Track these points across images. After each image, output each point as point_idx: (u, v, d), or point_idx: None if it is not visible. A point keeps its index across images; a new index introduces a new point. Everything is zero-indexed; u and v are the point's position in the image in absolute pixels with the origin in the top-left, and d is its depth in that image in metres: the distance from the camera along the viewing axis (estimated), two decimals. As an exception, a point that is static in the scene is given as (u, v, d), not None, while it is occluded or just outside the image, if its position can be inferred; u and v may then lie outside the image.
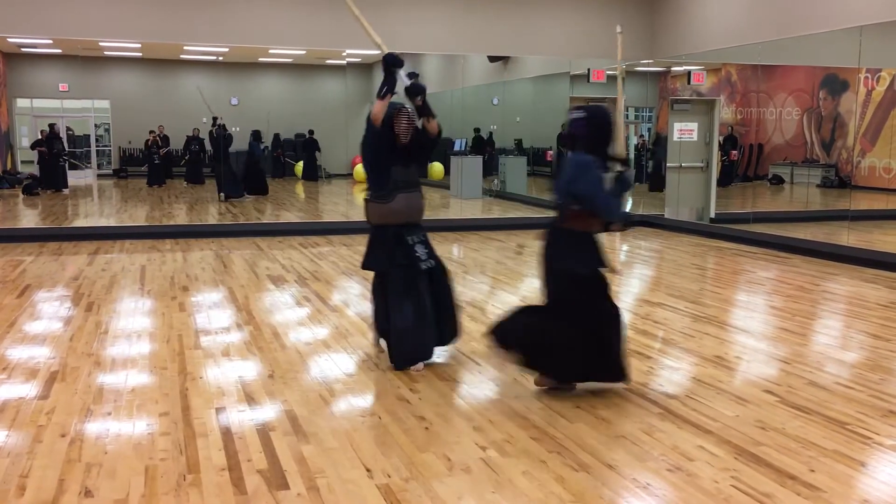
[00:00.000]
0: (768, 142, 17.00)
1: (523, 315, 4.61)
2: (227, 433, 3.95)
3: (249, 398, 4.48)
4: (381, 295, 5.15)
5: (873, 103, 14.46)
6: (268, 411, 4.28)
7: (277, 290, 7.58)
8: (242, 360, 5.24)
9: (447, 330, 5.19)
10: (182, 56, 20.19)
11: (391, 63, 4.97)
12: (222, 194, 15.21)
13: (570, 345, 4.35)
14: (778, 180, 16.70)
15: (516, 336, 4.51)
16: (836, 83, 15.32)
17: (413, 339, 4.97)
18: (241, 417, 4.17)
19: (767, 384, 4.74)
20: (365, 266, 5.21)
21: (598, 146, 4.33)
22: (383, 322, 5.15)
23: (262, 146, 17.82)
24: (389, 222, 5.02)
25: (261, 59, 21.68)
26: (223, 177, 15.59)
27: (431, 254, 5.10)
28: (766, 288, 8.12)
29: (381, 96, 4.92)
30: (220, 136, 16.55)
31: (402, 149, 5.00)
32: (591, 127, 4.35)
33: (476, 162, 16.73)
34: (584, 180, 4.29)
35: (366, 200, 5.13)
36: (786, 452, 3.70)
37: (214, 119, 16.94)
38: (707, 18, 12.07)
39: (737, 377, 4.92)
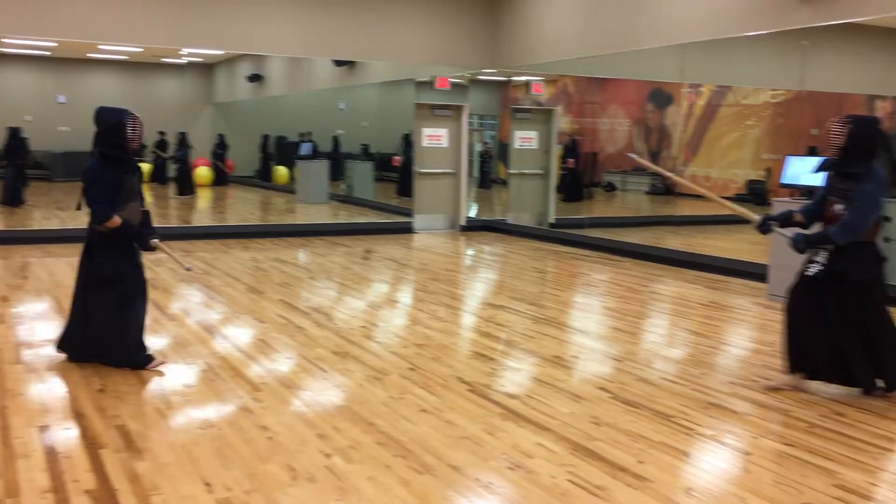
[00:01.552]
0: (602, 150, 17.89)
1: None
2: (51, 453, 3.69)
3: (77, 415, 4.22)
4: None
5: (694, 116, 15.56)
6: (98, 428, 4.04)
7: (110, 299, 7.17)
8: (70, 375, 4.92)
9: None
10: (2, 50, 18.72)
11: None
12: None
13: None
14: (611, 187, 17.61)
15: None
16: (661, 97, 16.36)
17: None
18: (68, 435, 3.92)
19: (601, 381, 4.98)
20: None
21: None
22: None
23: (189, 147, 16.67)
24: None
25: (91, 56, 20.49)
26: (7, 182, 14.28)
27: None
28: (601, 290, 8.53)
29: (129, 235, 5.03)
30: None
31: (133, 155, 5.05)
32: None
33: (322, 166, 16.58)
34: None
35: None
36: (617, 446, 3.90)
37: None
38: (546, 31, 12.56)
39: (573, 376, 5.14)
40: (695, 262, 9.49)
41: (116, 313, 4.96)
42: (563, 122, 16.68)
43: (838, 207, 4.56)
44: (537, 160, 13.47)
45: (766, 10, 9.01)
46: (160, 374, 4.95)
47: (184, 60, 13.25)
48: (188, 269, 5.53)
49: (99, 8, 11.36)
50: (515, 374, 5.19)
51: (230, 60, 16.65)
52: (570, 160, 15.99)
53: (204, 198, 16.83)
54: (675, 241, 10.55)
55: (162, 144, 17.02)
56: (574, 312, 7.38)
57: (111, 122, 4.89)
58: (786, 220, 4.86)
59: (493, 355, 5.60)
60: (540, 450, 3.83)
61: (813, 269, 4.69)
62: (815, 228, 4.77)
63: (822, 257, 4.65)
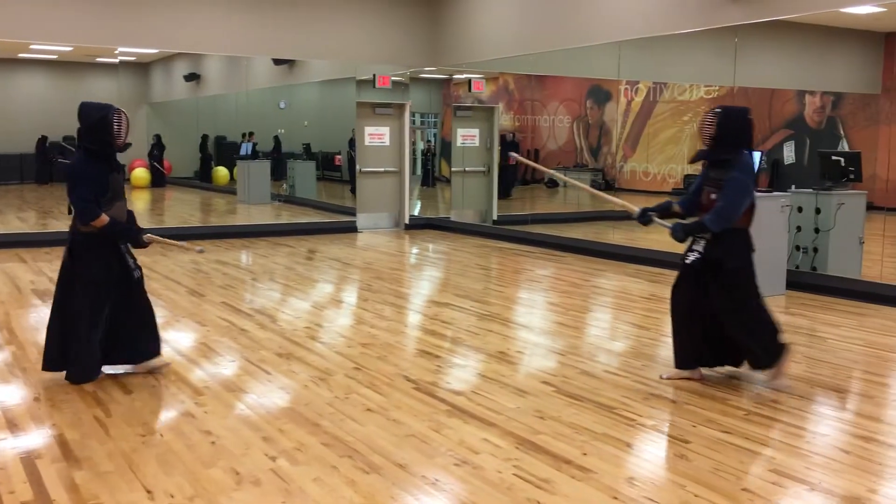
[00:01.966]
0: (544, 147, 18.08)
1: None
2: (-16, 465, 3.58)
3: (11, 425, 4.10)
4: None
5: (633, 113, 15.83)
6: (34, 438, 3.93)
7: (44, 306, 6.98)
8: (3, 384, 4.78)
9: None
10: (-77, 48, 18.03)
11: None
12: None
13: None
14: (553, 184, 17.80)
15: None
16: (600, 94, 16.60)
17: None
18: (2, 447, 3.80)
19: (545, 376, 5.03)
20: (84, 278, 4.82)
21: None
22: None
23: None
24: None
25: (22, 56, 19.88)
26: None
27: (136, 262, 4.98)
28: (544, 285, 8.63)
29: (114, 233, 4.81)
30: None
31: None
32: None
33: (264, 166, 16.37)
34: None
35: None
36: (562, 439, 3.95)
37: None
38: (486, 29, 12.62)
39: (518, 371, 5.19)
40: (635, 256, 9.66)
41: (87, 321, 4.70)
42: (504, 119, 16.81)
43: (713, 196, 4.74)
44: (480, 158, 13.54)
45: (698, 8, 9.21)
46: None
47: (117, 60, 12.94)
48: (201, 252, 5.35)
49: (29, 7, 11.02)
50: (461, 371, 5.21)
51: (166, 59, 16.33)
52: (512, 157, 16.10)
53: (142, 199, 16.49)
54: (616, 235, 10.71)
55: (62, 148, 16.66)
56: (518, 308, 7.44)
57: (95, 118, 4.67)
58: (665, 211, 5.02)
59: (439, 353, 5.61)
60: (486, 445, 3.86)
61: (690, 258, 4.86)
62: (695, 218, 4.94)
63: (699, 245, 4.82)
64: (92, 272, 4.73)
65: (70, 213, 4.86)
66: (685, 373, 4.92)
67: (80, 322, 4.70)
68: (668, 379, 4.92)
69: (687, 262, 4.88)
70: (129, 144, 4.85)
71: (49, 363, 4.80)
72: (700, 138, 4.80)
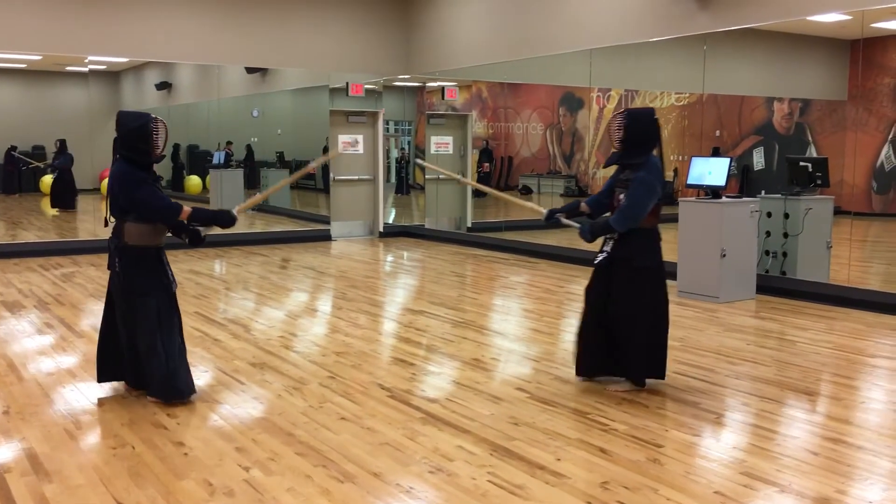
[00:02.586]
0: (517, 154, 18.15)
1: None
2: (-48, 481, 3.53)
3: (-20, 439, 4.04)
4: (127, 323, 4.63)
5: (605, 120, 15.93)
6: (2, 452, 3.88)
7: (13, 318, 6.90)
8: (-29, 398, 4.71)
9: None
10: None
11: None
12: None
13: None
14: (527, 190, 17.85)
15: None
16: (573, 101, 16.71)
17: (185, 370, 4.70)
18: (-30, 461, 3.75)
19: (519, 382, 5.06)
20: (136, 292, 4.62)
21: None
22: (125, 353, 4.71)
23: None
24: (152, 243, 4.69)
25: (-13, 64, 19.62)
26: None
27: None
28: (518, 292, 8.66)
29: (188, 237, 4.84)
30: None
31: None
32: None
33: (236, 175, 16.28)
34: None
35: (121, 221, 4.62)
36: (536, 445, 3.97)
37: None
38: (458, 37, 12.67)
39: (493, 378, 5.21)
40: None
41: (155, 336, 4.55)
42: (478, 126, 16.86)
43: (622, 197, 4.83)
44: (454, 165, 13.57)
45: (669, 16, 9.33)
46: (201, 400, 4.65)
47: (87, 69, 12.82)
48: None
49: (-5, 14, 10.90)
50: (435, 379, 5.22)
51: (137, 68, 16.19)
52: (486, 164, 16.16)
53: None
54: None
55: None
56: (493, 315, 7.46)
57: (134, 126, 4.55)
58: (574, 211, 5.11)
59: (414, 360, 5.62)
60: (460, 452, 3.86)
61: (599, 258, 4.95)
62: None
63: (608, 246, 4.91)
64: (150, 283, 4.60)
65: (106, 225, 4.67)
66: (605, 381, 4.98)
67: (153, 336, 4.54)
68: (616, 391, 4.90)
69: (596, 262, 4.95)
70: (164, 156, 4.74)
71: (105, 374, 4.74)
72: (610, 142, 4.90)
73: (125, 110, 4.72)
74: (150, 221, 4.60)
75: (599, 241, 4.99)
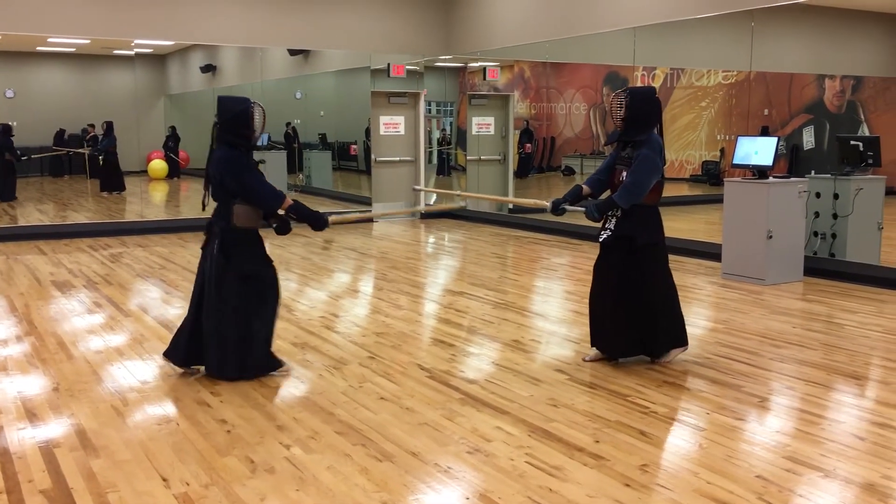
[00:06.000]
0: (560, 135, 17.98)
1: None
2: (4, 454, 3.64)
3: (31, 415, 4.15)
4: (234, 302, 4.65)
5: (650, 99, 15.67)
6: (52, 427, 3.99)
7: (64, 297, 7.07)
8: (23, 375, 4.85)
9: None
10: (-56, 43, 18.20)
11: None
12: None
13: None
14: (569, 171, 17.70)
15: None
16: (617, 80, 16.46)
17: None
18: (21, 436, 3.86)
19: (559, 364, 5.03)
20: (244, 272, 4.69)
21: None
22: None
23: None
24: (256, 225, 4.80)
25: (40, 49, 20.04)
26: None
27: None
28: (559, 273, 8.61)
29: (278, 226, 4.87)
30: None
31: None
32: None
33: (280, 157, 16.41)
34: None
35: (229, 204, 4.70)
36: (574, 426, 3.95)
37: None
38: (500, 16, 12.56)
39: (532, 359, 5.19)
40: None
41: (255, 317, 4.65)
42: (520, 107, 16.74)
43: (624, 174, 4.81)
44: (495, 146, 13.51)
45: (715, -8, 9.12)
46: (286, 376, 4.79)
47: (133, 52, 13.01)
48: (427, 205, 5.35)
49: (46, 0, 11.10)
50: (475, 360, 5.22)
51: (183, 51, 16.38)
52: (528, 145, 16.04)
53: (159, 191, 16.60)
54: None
55: (94, 139, 16.68)
56: (533, 297, 7.43)
57: (236, 111, 4.63)
58: (576, 196, 5.04)
59: (453, 342, 5.63)
60: (498, 433, 3.86)
61: (603, 235, 4.92)
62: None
63: (611, 223, 4.88)
64: (253, 266, 4.69)
65: (204, 208, 4.77)
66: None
67: (248, 318, 4.63)
68: (592, 361, 5.02)
69: (600, 240, 4.93)
70: (259, 140, 4.80)
71: (182, 359, 4.80)
72: (612, 120, 4.89)
73: (225, 96, 4.75)
74: (253, 205, 4.67)
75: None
